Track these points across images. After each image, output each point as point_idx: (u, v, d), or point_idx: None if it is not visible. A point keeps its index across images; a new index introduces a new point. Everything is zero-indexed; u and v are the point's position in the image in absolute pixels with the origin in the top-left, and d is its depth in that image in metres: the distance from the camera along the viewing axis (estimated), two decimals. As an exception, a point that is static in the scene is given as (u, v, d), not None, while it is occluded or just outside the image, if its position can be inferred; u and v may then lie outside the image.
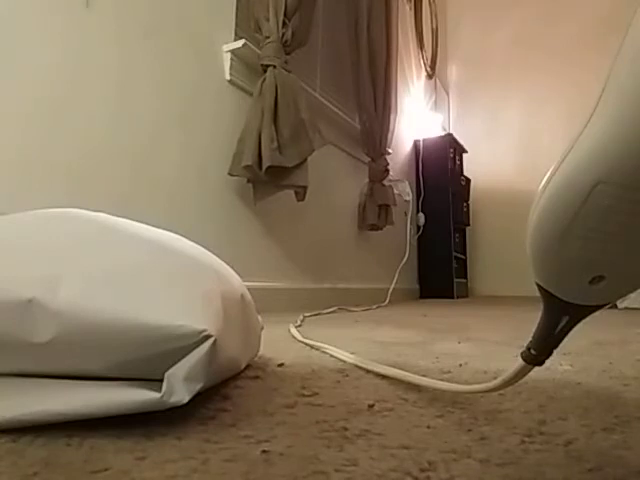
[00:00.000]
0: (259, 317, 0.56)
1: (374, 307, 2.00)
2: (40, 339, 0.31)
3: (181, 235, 0.46)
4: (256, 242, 1.61)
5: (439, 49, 3.85)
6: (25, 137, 0.96)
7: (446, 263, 3.07)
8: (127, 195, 1.16)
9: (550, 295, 0.26)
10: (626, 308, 1.85)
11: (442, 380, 0.42)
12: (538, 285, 0.26)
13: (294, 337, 0.81)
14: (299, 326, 1.02)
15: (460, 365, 0.57)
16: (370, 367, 0.51)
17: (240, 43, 1.49)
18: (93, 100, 1.10)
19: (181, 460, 0.25)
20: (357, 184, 2.36)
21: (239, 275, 0.52)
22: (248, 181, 1.49)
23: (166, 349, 0.31)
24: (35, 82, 0.98)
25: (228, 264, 0.51)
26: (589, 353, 0.67)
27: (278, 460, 0.26)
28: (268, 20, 1.51)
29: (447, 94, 4.18)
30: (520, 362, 0.30)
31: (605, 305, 0.26)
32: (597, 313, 0.27)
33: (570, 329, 0.27)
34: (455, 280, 3.05)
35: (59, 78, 1.03)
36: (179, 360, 0.31)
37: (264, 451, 0.27)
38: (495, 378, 0.33)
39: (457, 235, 3.25)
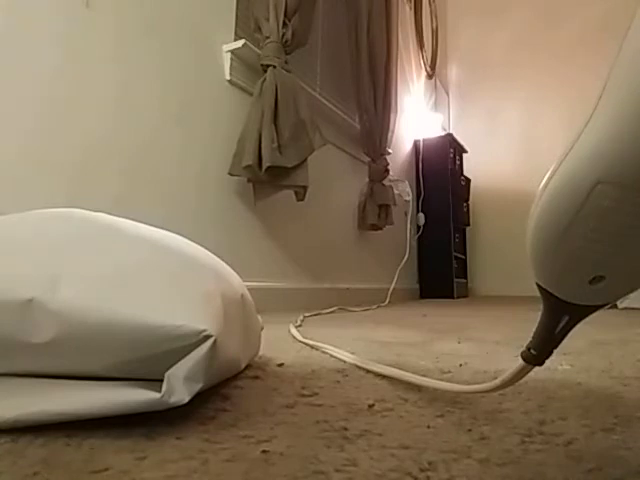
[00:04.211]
0: (259, 317, 0.56)
1: (374, 307, 2.00)
2: (40, 339, 0.31)
3: (181, 235, 0.46)
4: (256, 242, 1.61)
5: (439, 49, 3.85)
6: (25, 137, 0.96)
7: (446, 263, 3.07)
8: (127, 195, 1.16)
9: (550, 295, 0.26)
10: (626, 308, 1.84)
11: (442, 380, 0.42)
12: (538, 285, 0.26)
13: (294, 337, 0.81)
14: (299, 326, 1.02)
15: (460, 365, 0.57)
16: (370, 367, 0.51)
17: (240, 43, 1.49)
18: (93, 100, 1.10)
19: (181, 460, 0.25)
20: (357, 184, 2.36)
21: (239, 275, 0.52)
22: (248, 181, 1.49)
23: (166, 349, 0.31)
24: (35, 82, 0.98)
25: (228, 264, 0.51)
26: (589, 353, 0.67)
27: (278, 460, 0.26)
28: (268, 20, 1.51)
29: (447, 94, 4.18)
30: (520, 362, 0.30)
31: (605, 305, 0.26)
32: (597, 313, 0.27)
33: (570, 329, 0.27)
34: (455, 280, 3.05)
35: (59, 78, 1.03)
36: (179, 360, 0.31)
37: (264, 451, 0.27)
38: (495, 378, 0.33)
39: (457, 235, 3.24)
